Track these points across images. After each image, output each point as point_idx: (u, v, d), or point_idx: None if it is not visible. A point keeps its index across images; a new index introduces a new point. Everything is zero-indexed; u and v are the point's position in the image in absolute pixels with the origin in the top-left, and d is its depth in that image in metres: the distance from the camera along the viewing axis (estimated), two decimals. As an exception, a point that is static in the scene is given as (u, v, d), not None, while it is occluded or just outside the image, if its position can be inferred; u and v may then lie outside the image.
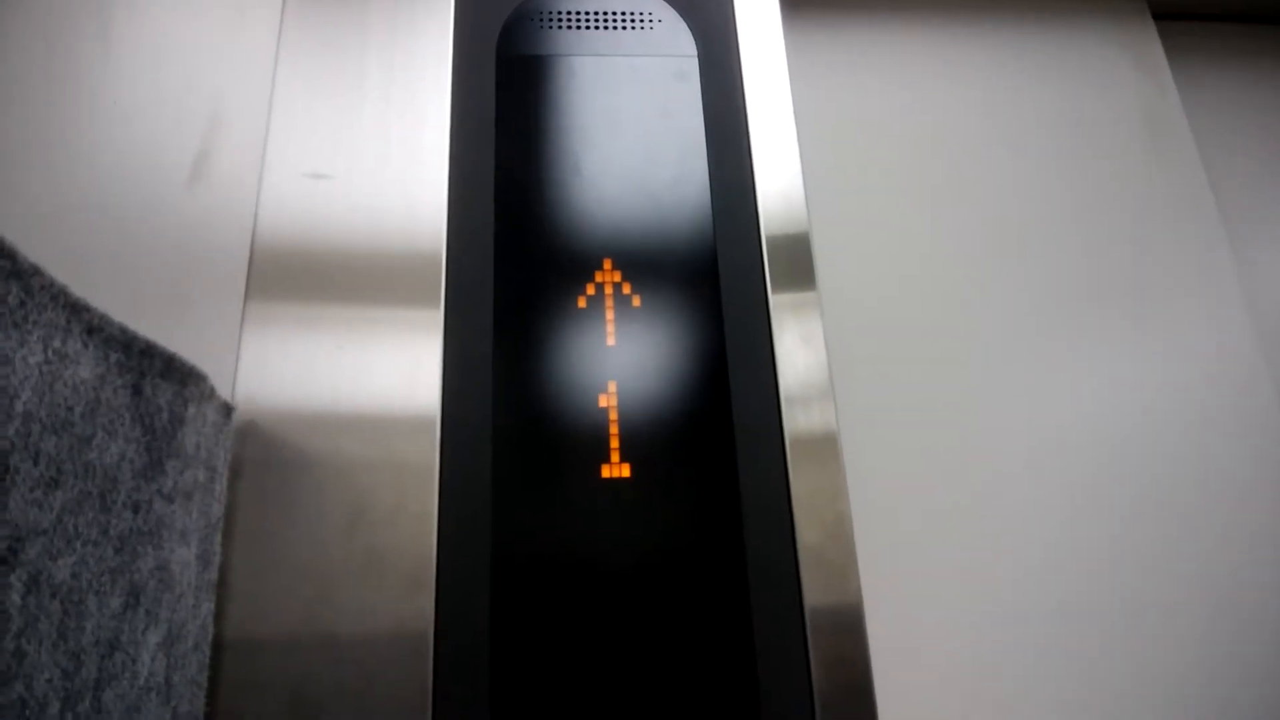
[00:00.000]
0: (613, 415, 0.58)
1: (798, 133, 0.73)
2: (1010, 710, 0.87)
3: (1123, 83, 1.17)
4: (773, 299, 0.63)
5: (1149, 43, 1.20)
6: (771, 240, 0.66)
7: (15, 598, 0.32)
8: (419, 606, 0.51)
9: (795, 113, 0.74)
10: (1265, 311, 1.14)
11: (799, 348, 0.61)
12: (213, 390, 0.51)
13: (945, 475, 0.95)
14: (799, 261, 0.65)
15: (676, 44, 0.75)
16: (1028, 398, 1.00)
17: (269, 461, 0.55)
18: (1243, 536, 0.97)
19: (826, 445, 0.58)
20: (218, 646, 0.49)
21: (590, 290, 0.63)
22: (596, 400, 0.58)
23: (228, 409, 0.54)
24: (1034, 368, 1.01)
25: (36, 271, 0.36)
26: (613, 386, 0.59)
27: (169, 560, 0.44)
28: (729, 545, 0.54)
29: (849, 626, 0.53)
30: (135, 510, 0.42)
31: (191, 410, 0.47)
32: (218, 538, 0.51)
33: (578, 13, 0.75)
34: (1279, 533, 0.97)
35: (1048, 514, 0.95)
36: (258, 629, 0.50)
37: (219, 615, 0.50)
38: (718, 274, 0.64)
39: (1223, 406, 1.03)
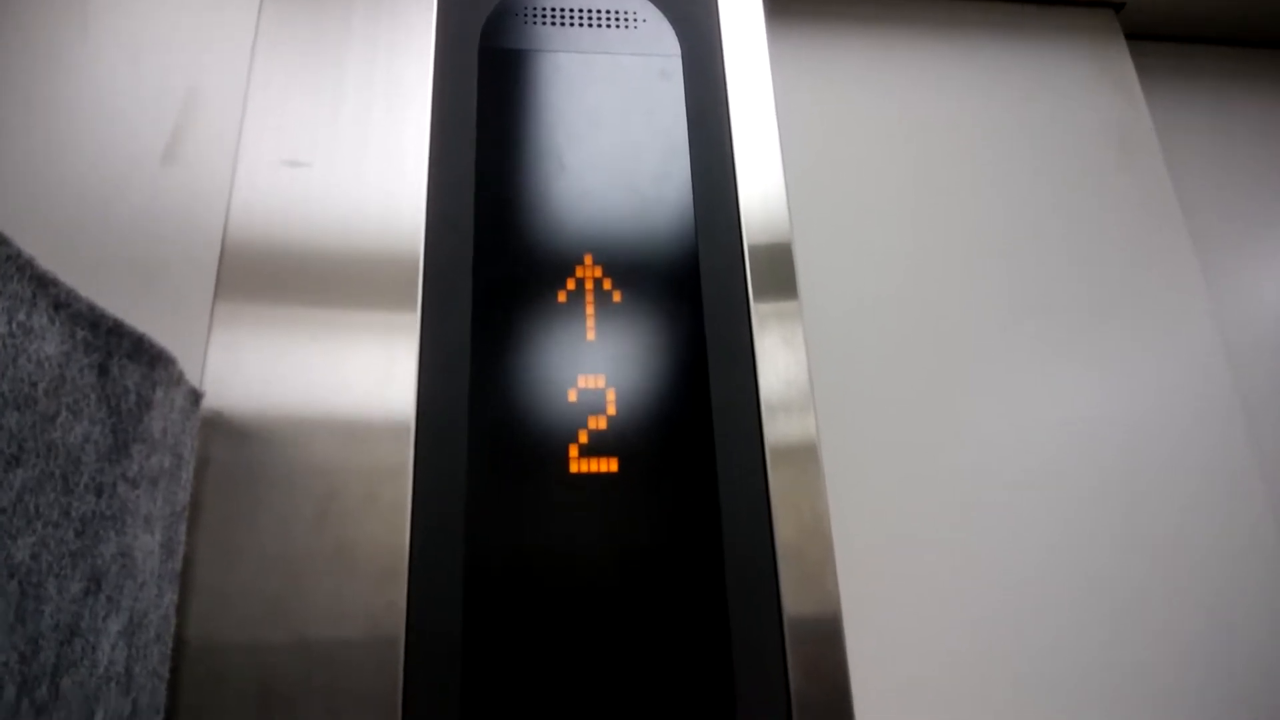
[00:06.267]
0: (590, 411, 0.57)
1: (779, 137, 0.73)
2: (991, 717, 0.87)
3: (1096, 100, 1.19)
4: (754, 305, 0.63)
5: (1121, 62, 1.22)
6: (753, 244, 0.66)
7: (-30, 576, 0.31)
8: (390, 600, 0.49)
9: (777, 118, 0.74)
10: (1231, 325, 1.17)
11: (780, 354, 0.61)
12: (181, 375, 0.49)
13: (923, 482, 0.96)
14: (780, 264, 0.65)
15: (660, 44, 0.75)
16: (1004, 405, 1.01)
17: (237, 452, 0.54)
18: (1207, 543, 0.98)
19: (806, 453, 0.58)
20: (181, 640, 0.47)
21: (570, 285, 0.62)
22: (574, 395, 0.58)
23: (196, 395, 0.53)
24: (1009, 377, 1.02)
25: (2, 241, 0.35)
26: (590, 381, 0.58)
27: (132, 547, 0.43)
28: (707, 550, 0.53)
29: (828, 635, 0.53)
30: (98, 493, 0.40)
31: (159, 394, 0.46)
32: (182, 527, 0.49)
33: (562, 9, 0.75)
34: (1240, 539, 0.99)
35: (1026, 521, 0.96)
36: (223, 622, 0.48)
37: (183, 607, 0.49)
38: (699, 275, 0.63)
39: (1189, 416, 1.05)
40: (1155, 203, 1.17)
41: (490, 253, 0.62)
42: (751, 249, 0.65)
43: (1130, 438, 1.02)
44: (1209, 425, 1.05)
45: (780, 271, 0.65)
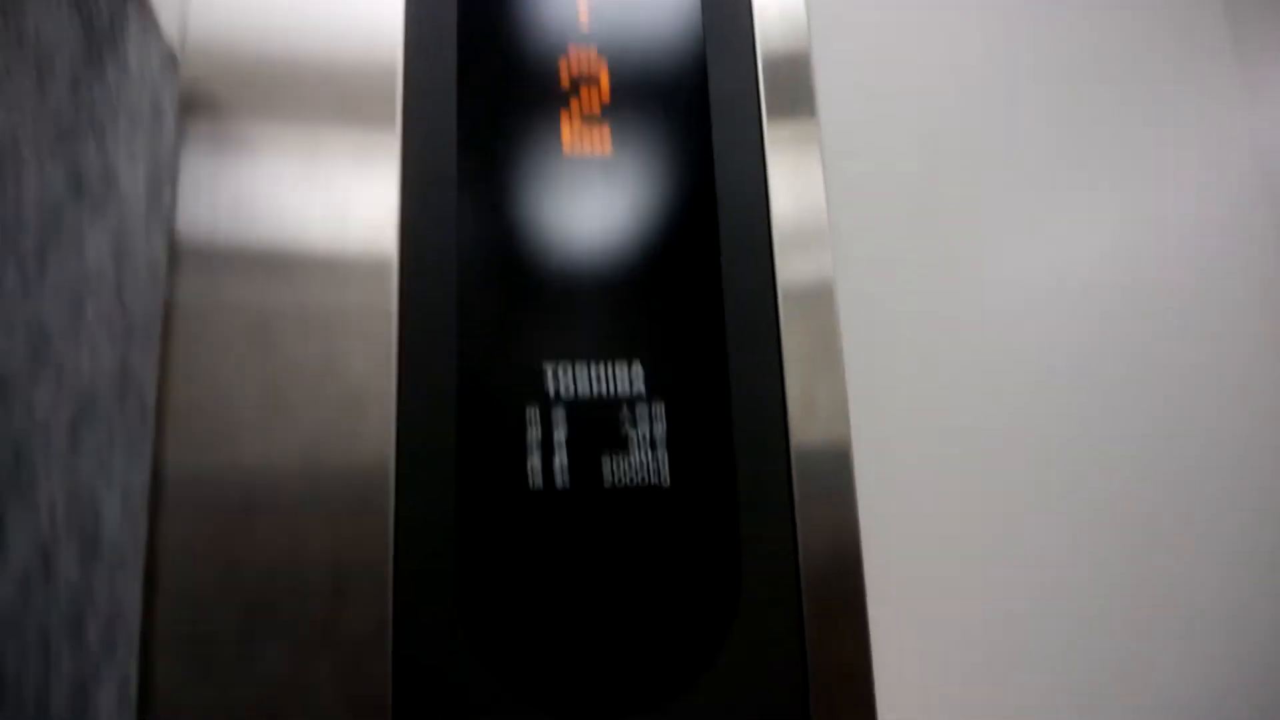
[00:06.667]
0: (584, 84, 0.56)
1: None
2: (1000, 568, 0.86)
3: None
4: (768, 125, 0.59)
5: None
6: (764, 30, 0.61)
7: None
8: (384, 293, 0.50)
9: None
10: (1269, 143, 1.11)
11: (794, 176, 0.58)
12: (156, 23, 0.48)
13: (945, 317, 0.92)
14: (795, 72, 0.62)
15: None
16: (1031, 235, 0.97)
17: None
18: (1238, 385, 0.97)
19: (821, 291, 0.55)
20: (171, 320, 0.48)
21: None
22: (566, 78, 0.56)
23: (173, 58, 0.51)
24: (1037, 203, 0.97)
25: None
26: (581, 57, 0.56)
27: (115, 166, 0.42)
28: (714, 382, 0.52)
29: (836, 469, 0.52)
30: (75, 95, 0.39)
31: (133, 25, 0.45)
32: (169, 188, 0.49)
33: None
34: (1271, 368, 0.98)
35: (1048, 352, 0.92)
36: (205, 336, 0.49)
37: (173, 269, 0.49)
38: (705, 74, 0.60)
39: (1223, 244, 1.02)
40: (1197, 8, 1.11)
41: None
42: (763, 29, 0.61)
43: (1161, 265, 0.99)
44: (1242, 251, 1.02)
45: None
